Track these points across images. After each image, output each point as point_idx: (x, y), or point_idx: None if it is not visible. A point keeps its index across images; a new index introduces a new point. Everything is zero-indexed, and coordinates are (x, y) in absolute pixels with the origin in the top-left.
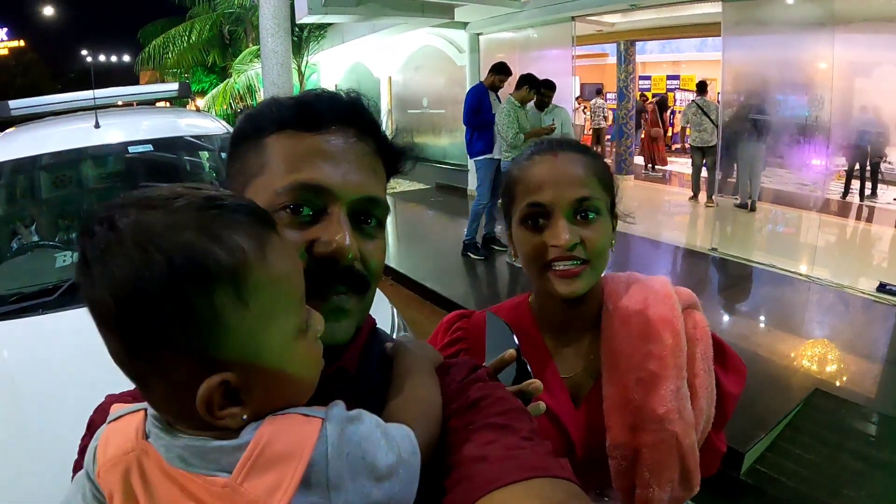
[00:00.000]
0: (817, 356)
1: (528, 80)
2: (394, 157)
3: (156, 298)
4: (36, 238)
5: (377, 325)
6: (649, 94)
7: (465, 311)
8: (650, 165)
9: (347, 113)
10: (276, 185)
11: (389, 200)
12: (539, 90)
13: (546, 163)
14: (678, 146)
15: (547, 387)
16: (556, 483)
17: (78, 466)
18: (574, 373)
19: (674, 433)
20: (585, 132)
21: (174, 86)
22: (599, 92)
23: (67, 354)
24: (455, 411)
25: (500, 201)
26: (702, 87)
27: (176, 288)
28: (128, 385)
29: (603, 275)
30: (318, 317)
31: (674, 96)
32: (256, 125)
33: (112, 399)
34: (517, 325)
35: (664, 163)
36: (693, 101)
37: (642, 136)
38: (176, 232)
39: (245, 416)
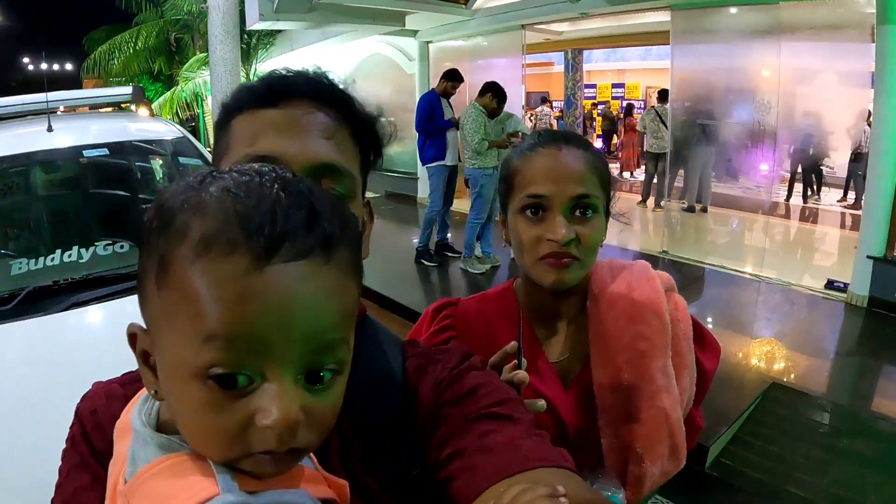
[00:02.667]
0: (773, 352)
1: (492, 88)
2: (365, 128)
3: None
4: None
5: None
6: (615, 103)
7: (451, 300)
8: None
9: (306, 86)
10: (231, 162)
11: None
12: (502, 99)
13: (549, 156)
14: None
15: (537, 371)
16: (561, 473)
17: (66, 455)
18: (562, 357)
19: (663, 409)
20: None
21: (128, 89)
22: (545, 100)
23: (27, 365)
24: (450, 399)
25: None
26: (663, 96)
27: (149, 225)
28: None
29: None
30: (268, 401)
31: (619, 104)
32: (226, 111)
33: (99, 386)
34: (505, 311)
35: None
36: (652, 107)
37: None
38: (194, 196)
39: (155, 391)
